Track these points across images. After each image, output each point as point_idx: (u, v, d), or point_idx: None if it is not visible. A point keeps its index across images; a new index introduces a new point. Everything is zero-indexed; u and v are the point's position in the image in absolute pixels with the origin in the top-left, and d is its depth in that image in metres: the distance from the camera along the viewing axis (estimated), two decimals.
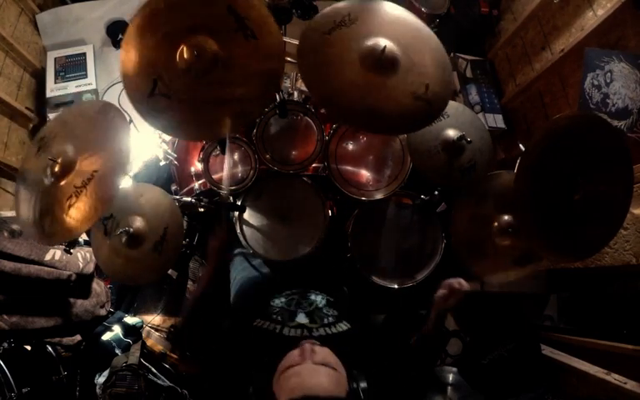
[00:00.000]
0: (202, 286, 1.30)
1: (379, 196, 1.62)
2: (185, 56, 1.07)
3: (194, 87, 1.08)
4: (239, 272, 1.56)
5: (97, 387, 1.70)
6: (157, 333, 1.98)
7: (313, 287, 1.32)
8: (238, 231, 1.60)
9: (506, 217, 1.47)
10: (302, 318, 1.18)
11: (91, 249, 1.70)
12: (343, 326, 1.19)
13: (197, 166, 1.63)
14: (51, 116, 2.10)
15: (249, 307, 1.26)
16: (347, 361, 1.01)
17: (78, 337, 1.79)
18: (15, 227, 1.63)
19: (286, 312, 1.20)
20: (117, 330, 1.87)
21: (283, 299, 1.27)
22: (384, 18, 1.20)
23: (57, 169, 1.10)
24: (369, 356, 1.15)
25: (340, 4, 1.18)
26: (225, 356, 1.15)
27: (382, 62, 1.11)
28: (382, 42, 1.11)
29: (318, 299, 1.27)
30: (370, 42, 1.12)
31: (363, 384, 0.93)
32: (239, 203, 1.60)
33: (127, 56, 1.08)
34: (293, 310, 1.21)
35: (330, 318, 1.20)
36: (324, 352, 0.97)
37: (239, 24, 1.08)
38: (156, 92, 1.06)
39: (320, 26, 1.15)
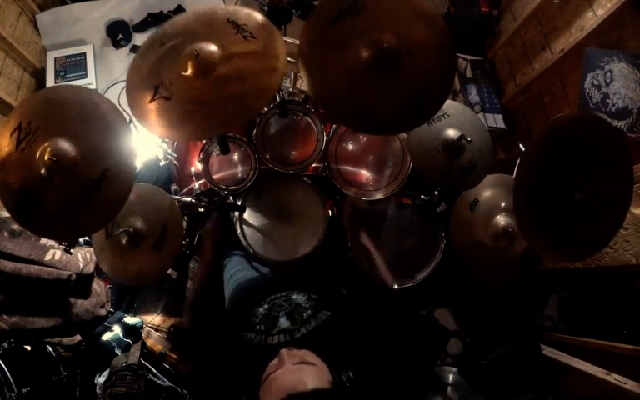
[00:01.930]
0: (201, 275, 1.30)
1: (379, 196, 1.62)
2: (186, 58, 1.07)
3: (195, 87, 1.08)
4: (234, 274, 1.56)
5: (97, 387, 1.70)
6: (157, 333, 1.98)
7: (298, 288, 1.32)
8: (238, 231, 1.60)
9: (506, 218, 1.48)
10: (283, 322, 1.19)
11: (91, 249, 1.71)
12: (323, 315, 1.19)
13: (197, 166, 1.63)
14: None
15: (238, 317, 1.26)
16: (332, 349, 1.02)
17: (78, 337, 1.79)
18: (15, 227, 1.62)
19: (269, 319, 1.21)
20: (117, 330, 1.87)
21: (267, 305, 1.27)
22: (394, 5, 1.15)
23: (55, 167, 1.04)
24: (355, 339, 1.16)
25: None
26: (218, 361, 1.16)
27: (384, 62, 1.09)
28: (385, 40, 1.09)
29: (299, 297, 1.27)
30: (373, 38, 1.09)
31: (349, 373, 0.93)
32: (239, 203, 1.60)
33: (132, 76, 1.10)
34: (275, 315, 1.22)
35: (309, 311, 1.21)
36: (302, 353, 0.98)
37: (238, 29, 1.11)
38: (157, 96, 1.06)
39: (324, 14, 1.12)
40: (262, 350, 1.11)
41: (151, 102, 1.07)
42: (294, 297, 1.28)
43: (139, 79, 1.12)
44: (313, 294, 1.28)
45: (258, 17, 1.14)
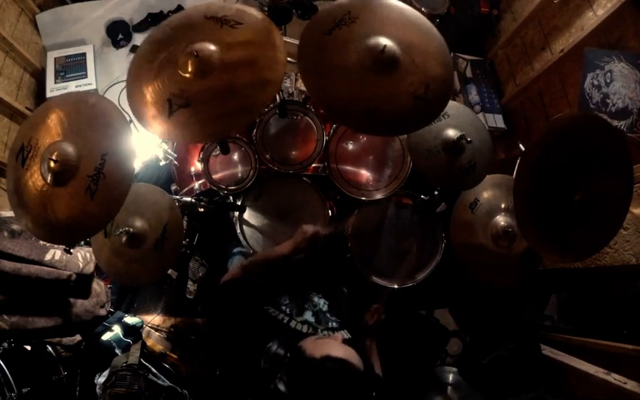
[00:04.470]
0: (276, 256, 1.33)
1: (379, 196, 1.62)
2: (187, 62, 1.07)
3: (208, 85, 1.07)
4: None
5: (97, 387, 1.70)
6: (157, 333, 1.98)
7: (314, 289, 1.35)
8: (238, 231, 1.60)
9: (506, 218, 1.48)
10: (309, 316, 1.25)
11: (91, 249, 1.70)
12: (345, 335, 1.25)
13: (197, 166, 1.63)
14: None
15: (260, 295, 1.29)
16: None
17: (78, 337, 1.79)
18: (15, 227, 1.62)
19: (295, 306, 1.26)
20: (117, 330, 1.87)
21: (288, 299, 1.30)
22: (386, 16, 1.19)
23: (57, 168, 1.05)
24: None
25: (341, 1, 1.17)
26: (236, 325, 1.20)
27: (382, 62, 1.10)
28: (383, 41, 1.10)
29: (321, 302, 1.32)
30: (370, 41, 1.11)
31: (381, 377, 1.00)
32: (239, 203, 1.60)
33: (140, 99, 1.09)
34: (301, 305, 1.28)
35: (333, 323, 1.27)
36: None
37: (221, 21, 1.12)
38: (174, 108, 1.05)
39: (320, 25, 1.14)
40: (283, 328, 1.17)
41: (170, 115, 1.05)
42: (315, 299, 1.32)
43: (145, 102, 1.09)
44: (330, 301, 1.33)
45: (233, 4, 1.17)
